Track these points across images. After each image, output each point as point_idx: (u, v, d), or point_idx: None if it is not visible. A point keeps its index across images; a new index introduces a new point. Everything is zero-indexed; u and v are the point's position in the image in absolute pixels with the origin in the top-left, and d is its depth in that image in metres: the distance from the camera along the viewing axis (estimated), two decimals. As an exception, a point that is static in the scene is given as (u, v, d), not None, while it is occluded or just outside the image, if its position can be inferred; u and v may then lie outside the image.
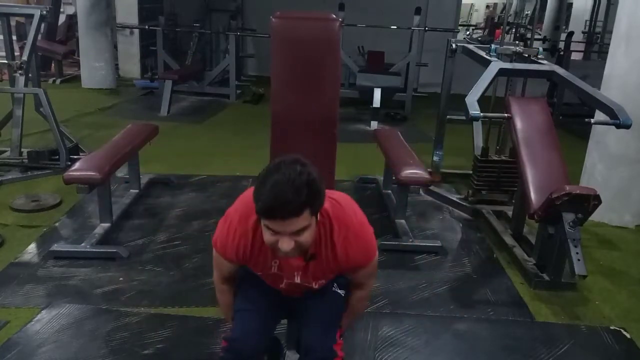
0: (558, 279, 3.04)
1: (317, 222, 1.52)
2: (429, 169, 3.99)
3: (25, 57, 4.38)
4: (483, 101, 3.17)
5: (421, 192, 4.32)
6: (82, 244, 3.16)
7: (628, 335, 2.67)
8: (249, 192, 1.58)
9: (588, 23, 10.47)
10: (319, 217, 1.54)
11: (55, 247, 3.13)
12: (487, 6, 19.85)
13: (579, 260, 2.73)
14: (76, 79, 8.18)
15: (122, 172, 4.07)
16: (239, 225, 1.62)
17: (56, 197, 3.82)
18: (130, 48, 8.74)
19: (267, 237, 1.47)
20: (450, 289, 3.03)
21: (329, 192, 1.57)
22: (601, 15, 9.81)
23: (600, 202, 2.82)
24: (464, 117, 3.24)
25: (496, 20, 14.11)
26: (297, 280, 1.70)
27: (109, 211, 3.42)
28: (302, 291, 1.81)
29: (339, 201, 1.65)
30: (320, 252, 1.62)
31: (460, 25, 11.28)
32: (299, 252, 1.52)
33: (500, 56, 3.77)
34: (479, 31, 14.72)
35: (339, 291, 1.83)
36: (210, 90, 7.83)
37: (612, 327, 2.72)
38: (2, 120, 4.58)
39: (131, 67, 8.78)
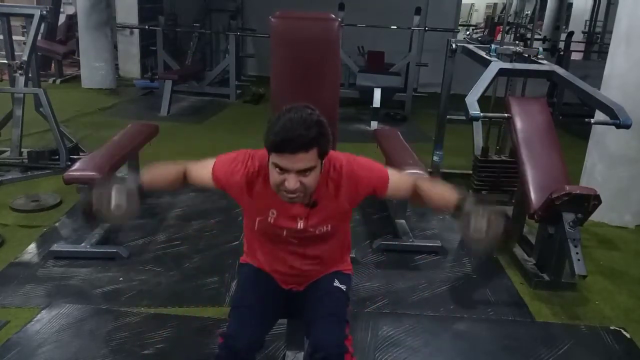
0: (558, 279, 3.04)
1: (322, 169, 1.57)
2: (429, 169, 3.98)
3: (25, 57, 4.39)
4: (483, 101, 3.17)
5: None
6: (82, 244, 3.17)
7: (628, 335, 2.67)
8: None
9: (588, 23, 10.46)
10: (325, 167, 1.61)
11: (55, 247, 3.13)
12: (487, 6, 19.83)
13: (579, 260, 2.73)
14: (76, 79, 8.18)
15: (122, 172, 4.06)
16: (249, 156, 1.70)
17: (56, 197, 3.82)
18: (130, 48, 8.73)
19: (274, 176, 1.53)
20: (450, 289, 3.03)
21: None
22: (601, 15, 9.80)
23: (600, 202, 2.82)
24: (464, 117, 3.24)
25: (496, 20, 14.12)
26: (301, 226, 1.69)
27: (109, 211, 3.41)
28: (303, 282, 1.82)
29: (335, 152, 1.73)
30: (324, 193, 1.65)
31: (460, 25, 11.28)
32: (302, 195, 1.56)
33: (500, 56, 3.77)
34: (479, 31, 14.71)
35: (340, 286, 1.83)
36: (210, 90, 7.83)
37: (612, 327, 2.72)
38: (2, 120, 4.58)
39: (131, 67, 8.78)
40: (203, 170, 1.77)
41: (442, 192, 1.77)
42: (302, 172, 1.50)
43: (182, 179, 1.81)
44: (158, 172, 1.83)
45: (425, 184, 1.79)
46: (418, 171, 3.34)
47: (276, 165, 1.50)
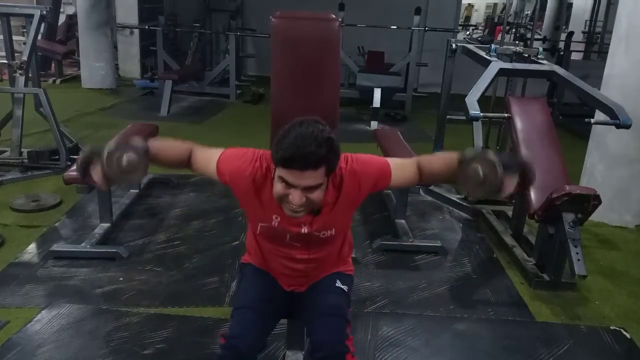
0: (558, 279, 3.04)
1: (327, 185, 1.54)
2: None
3: (25, 57, 4.39)
4: (483, 101, 3.17)
5: (421, 192, 4.32)
6: (82, 244, 3.17)
7: (628, 335, 2.67)
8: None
9: (588, 23, 10.48)
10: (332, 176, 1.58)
11: (55, 247, 3.13)
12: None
13: (579, 260, 2.73)
14: (76, 79, 8.18)
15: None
16: (258, 156, 1.64)
17: (56, 197, 3.82)
18: (130, 48, 8.74)
19: (278, 188, 1.49)
20: (450, 289, 3.03)
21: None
22: (601, 15, 9.81)
23: (600, 202, 2.82)
24: (464, 117, 3.25)
25: (496, 20, 14.12)
26: (305, 231, 1.68)
27: (109, 211, 3.42)
28: (305, 283, 1.83)
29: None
30: (328, 199, 1.63)
31: (460, 25, 11.30)
32: (306, 210, 1.54)
33: (500, 56, 3.77)
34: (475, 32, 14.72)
35: (342, 287, 1.83)
36: (210, 90, 7.83)
37: (612, 327, 2.72)
38: (2, 120, 4.58)
39: (131, 67, 8.79)
40: (209, 161, 1.70)
41: (442, 158, 1.75)
42: (309, 188, 1.47)
43: (186, 161, 1.74)
44: (166, 144, 1.74)
45: (426, 159, 1.76)
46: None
47: (282, 180, 1.47)
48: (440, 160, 1.76)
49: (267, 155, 1.64)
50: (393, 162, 1.73)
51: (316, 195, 1.49)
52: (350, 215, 1.79)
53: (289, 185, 1.46)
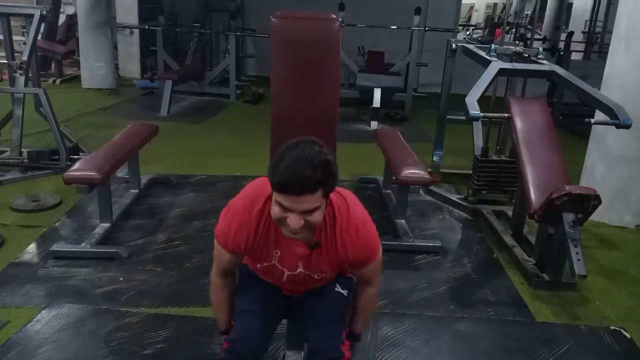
0: (558, 279, 3.04)
1: (326, 205, 1.51)
2: (429, 169, 3.98)
3: (25, 57, 4.39)
4: (483, 101, 3.17)
5: (421, 192, 4.32)
6: (82, 244, 3.16)
7: (628, 335, 2.67)
8: (254, 182, 1.63)
9: (588, 23, 10.47)
10: (330, 210, 1.56)
11: (55, 247, 3.13)
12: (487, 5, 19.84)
13: (579, 260, 2.73)
14: (76, 79, 8.18)
15: (122, 172, 4.07)
16: (243, 214, 1.60)
17: (56, 197, 3.82)
18: (130, 48, 8.74)
19: (276, 211, 1.46)
20: (450, 289, 3.03)
21: None
22: (601, 15, 9.81)
23: (600, 202, 2.82)
24: (464, 117, 3.24)
25: (496, 20, 14.12)
26: (300, 269, 1.67)
27: (109, 211, 3.42)
28: (303, 288, 1.82)
29: (344, 195, 1.65)
30: (324, 241, 1.61)
31: (461, 25, 11.30)
32: (306, 233, 1.51)
33: (500, 56, 3.77)
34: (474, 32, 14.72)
35: (341, 291, 1.83)
36: (210, 90, 7.83)
37: (612, 327, 2.72)
38: (2, 120, 4.59)
39: (131, 67, 8.79)
40: (222, 258, 1.72)
41: (363, 310, 1.86)
42: (307, 211, 1.44)
43: (229, 276, 1.83)
44: (217, 304, 1.88)
45: (371, 293, 1.82)
46: (418, 171, 3.34)
47: (279, 204, 1.44)
48: (360, 309, 1.86)
49: (243, 204, 1.61)
50: (378, 260, 1.72)
51: (314, 217, 1.46)
52: (344, 268, 1.79)
53: (286, 209, 1.43)
